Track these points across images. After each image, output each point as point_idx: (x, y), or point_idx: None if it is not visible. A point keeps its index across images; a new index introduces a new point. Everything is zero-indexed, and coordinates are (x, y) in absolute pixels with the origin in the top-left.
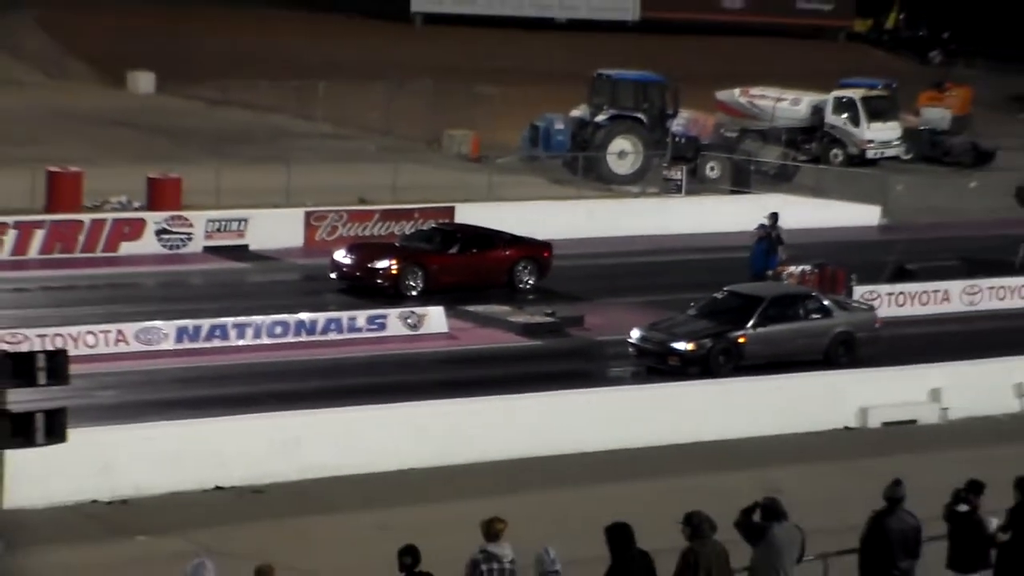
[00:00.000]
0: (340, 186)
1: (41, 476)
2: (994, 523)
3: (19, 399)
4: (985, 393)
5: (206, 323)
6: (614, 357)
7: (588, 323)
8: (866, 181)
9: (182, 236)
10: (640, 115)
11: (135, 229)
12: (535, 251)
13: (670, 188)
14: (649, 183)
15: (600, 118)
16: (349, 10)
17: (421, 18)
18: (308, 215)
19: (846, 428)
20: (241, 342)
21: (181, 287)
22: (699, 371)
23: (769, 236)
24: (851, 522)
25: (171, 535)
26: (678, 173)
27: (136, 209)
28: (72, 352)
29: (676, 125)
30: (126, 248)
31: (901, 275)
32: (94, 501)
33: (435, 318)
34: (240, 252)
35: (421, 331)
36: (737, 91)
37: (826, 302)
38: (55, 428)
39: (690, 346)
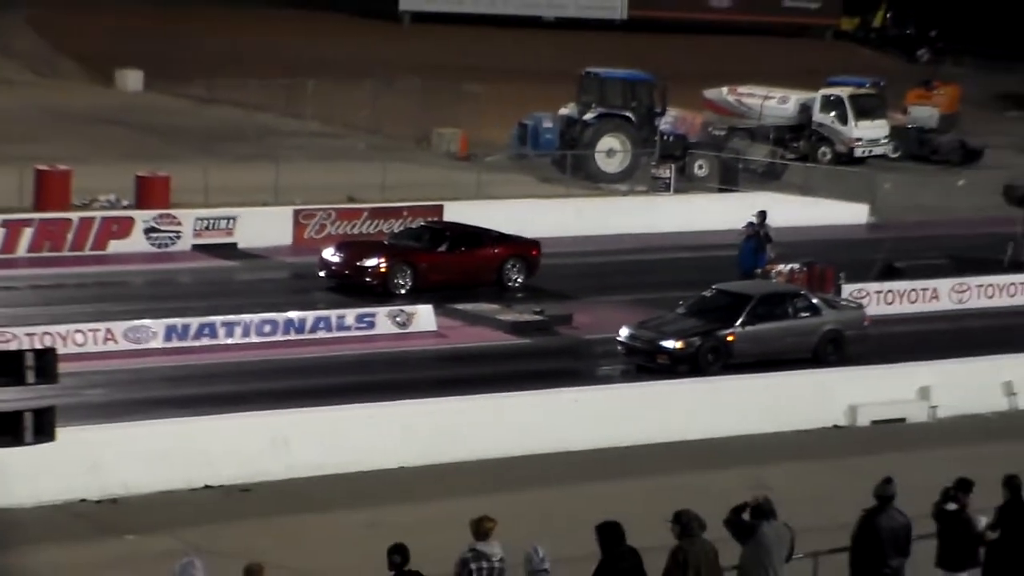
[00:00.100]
0: (329, 184)
1: (30, 475)
2: (983, 521)
3: (7, 398)
4: (974, 391)
5: (195, 321)
6: (603, 355)
7: (577, 321)
8: (854, 179)
9: (170, 234)
10: (628, 113)
11: (123, 227)
12: (524, 249)
13: (658, 186)
14: (637, 181)
15: (588, 116)
16: (337, 9)
17: (409, 16)
18: (297, 213)
19: (835, 426)
20: (230, 341)
21: (170, 285)
22: (688, 369)
23: (757, 234)
24: (840, 520)
25: (160, 534)
26: (666, 171)
27: (124, 207)
28: (61, 350)
29: (664, 123)
30: (114, 246)
31: (890, 273)
32: (83, 500)
33: (424, 316)
34: (229, 250)
35: (410, 329)
36: (725, 89)
37: (815, 300)
38: (44, 427)
39: (679, 344)
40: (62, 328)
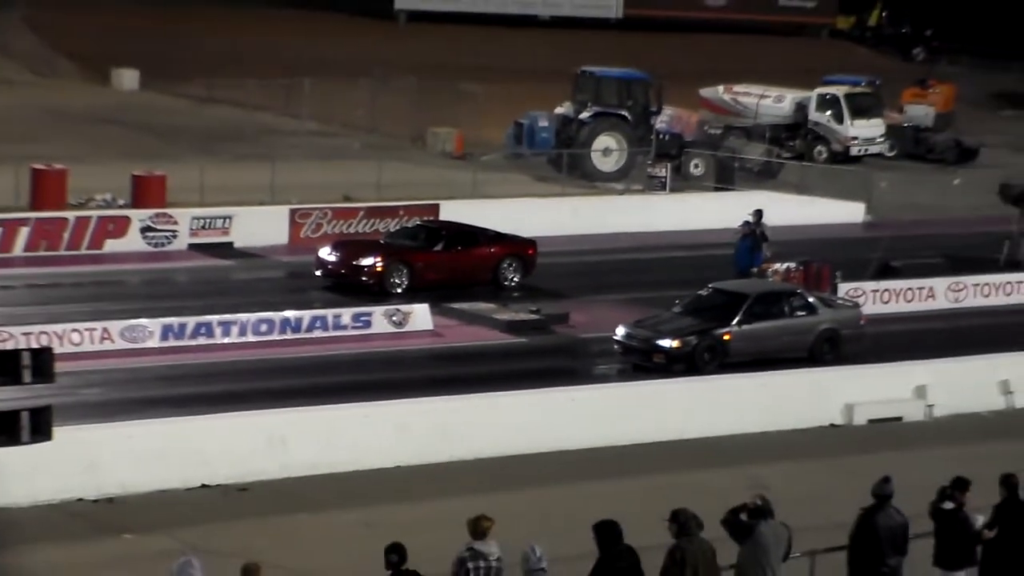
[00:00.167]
0: (325, 183)
1: (26, 474)
2: (980, 520)
3: (4, 397)
4: (970, 390)
5: (191, 321)
6: (599, 354)
7: (573, 320)
8: (850, 178)
9: (167, 234)
10: (624, 112)
11: (120, 227)
12: (520, 248)
13: (654, 185)
14: (633, 180)
15: (584, 115)
16: (333, 8)
17: (405, 16)
18: (293, 212)
19: (832, 425)
20: (226, 340)
21: (166, 285)
22: (684, 368)
23: (753, 233)
24: (837, 519)
25: (157, 533)
26: (662, 170)
27: (121, 207)
28: (57, 350)
29: (660, 122)
30: (111, 246)
31: (886, 272)
32: (80, 499)
33: (420, 315)
34: (225, 249)
35: (406, 328)
36: (721, 88)
37: (811, 299)
38: (40, 426)
39: (675, 343)
40: (58, 327)
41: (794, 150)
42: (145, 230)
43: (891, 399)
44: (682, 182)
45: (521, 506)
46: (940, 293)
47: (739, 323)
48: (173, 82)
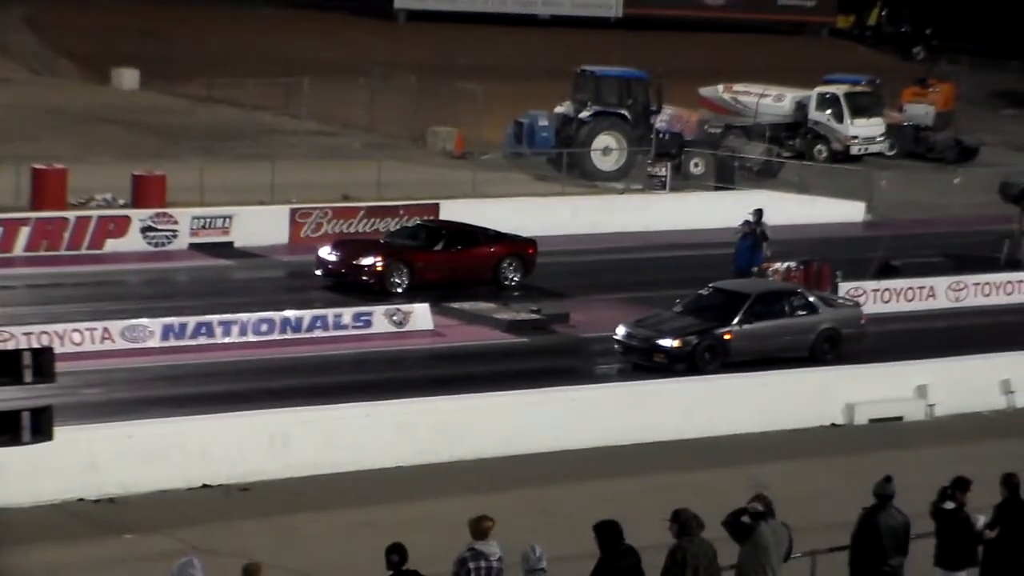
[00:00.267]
0: (325, 183)
1: (27, 474)
2: (981, 520)
3: (5, 397)
4: (971, 390)
5: (192, 321)
6: (600, 354)
7: (573, 320)
8: (850, 177)
9: (167, 233)
10: (624, 111)
11: (120, 226)
12: (520, 248)
13: (654, 184)
14: (633, 180)
15: (584, 115)
16: (333, 7)
17: (404, 15)
18: (293, 212)
19: (832, 425)
20: (227, 340)
21: (166, 284)
22: (685, 368)
23: (754, 232)
24: (838, 519)
25: (158, 533)
26: (662, 169)
27: (121, 206)
28: (58, 350)
29: (660, 121)
30: (111, 245)
31: (886, 271)
32: (81, 499)
33: (421, 315)
34: (225, 249)
35: (407, 328)
36: (720, 87)
37: (811, 299)
38: (41, 426)
39: (676, 343)
40: (59, 327)
41: (794, 149)
42: (145, 230)
43: (892, 399)
44: (682, 181)
45: (522, 506)
46: (941, 292)
47: (740, 323)
48: (173, 82)
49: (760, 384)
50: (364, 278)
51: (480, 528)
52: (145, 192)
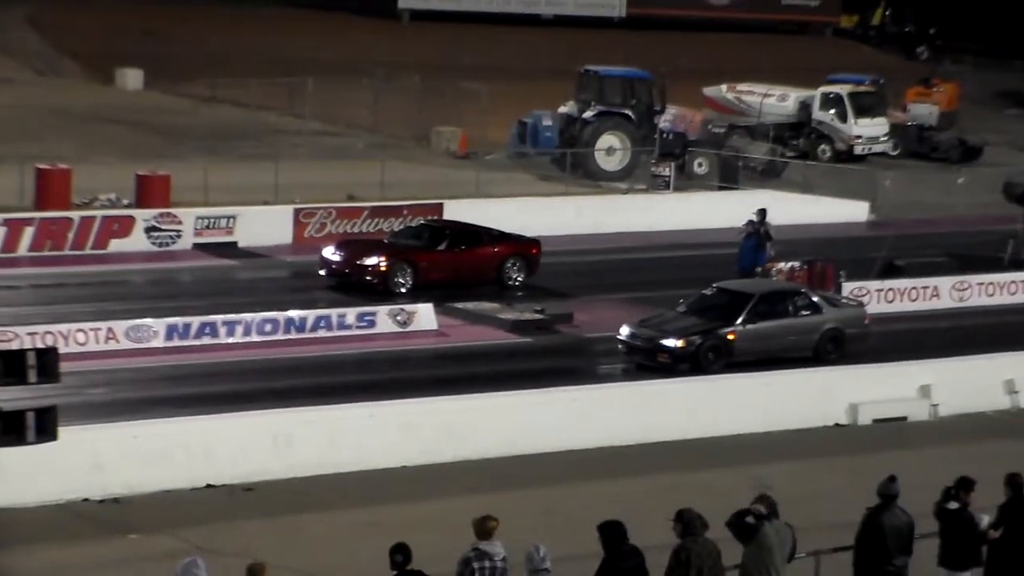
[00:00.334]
0: (329, 183)
1: (32, 474)
2: (985, 520)
3: (10, 397)
4: (975, 390)
5: (196, 320)
6: (603, 354)
7: (577, 320)
8: (854, 177)
9: (171, 233)
10: (628, 111)
11: (124, 226)
12: (524, 248)
13: (658, 184)
14: (637, 179)
15: (588, 115)
16: (337, 7)
17: (408, 15)
18: (297, 212)
19: (836, 425)
20: (231, 340)
21: (170, 284)
22: (689, 368)
23: (757, 232)
24: (842, 519)
25: (162, 533)
26: (666, 169)
27: (125, 206)
28: (62, 350)
29: (664, 121)
30: (115, 245)
31: (890, 271)
32: (85, 499)
33: (424, 315)
34: (229, 249)
35: (410, 328)
36: (724, 87)
37: (815, 299)
38: (46, 426)
39: (680, 343)
40: (64, 327)
41: (798, 149)
42: (149, 230)
43: (896, 399)
44: (686, 181)
45: (526, 506)
46: (944, 292)
47: (743, 323)
48: (177, 82)
49: (764, 384)
50: (368, 278)
51: (484, 528)
52: (149, 192)
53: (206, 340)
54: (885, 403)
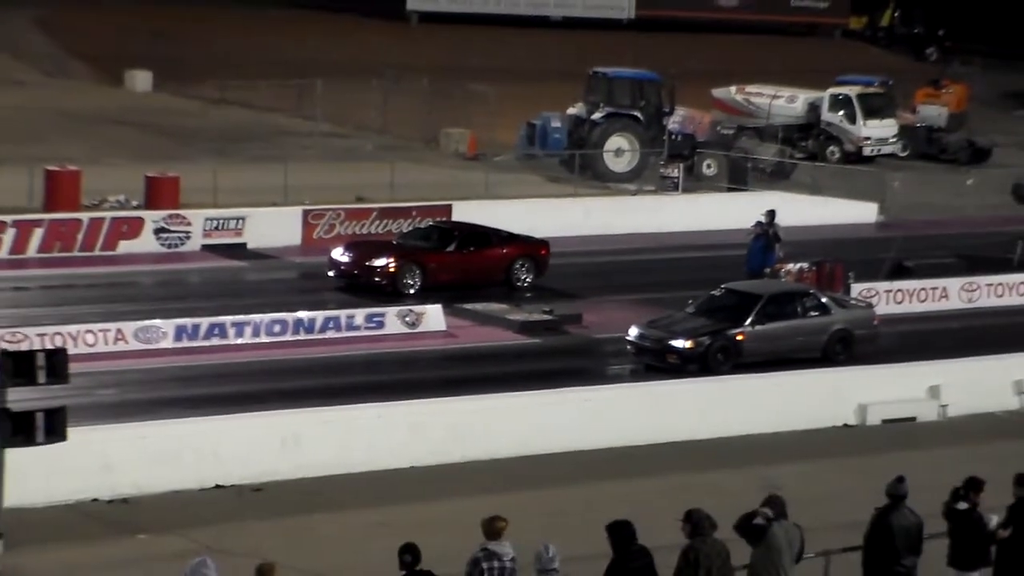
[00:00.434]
0: (338, 185)
1: (41, 475)
2: (994, 520)
3: (19, 398)
4: (984, 390)
5: (205, 321)
6: (612, 355)
7: (586, 321)
8: (863, 178)
9: (180, 235)
10: (636, 113)
11: (133, 228)
12: (532, 249)
13: (667, 186)
14: (646, 181)
15: (596, 116)
16: (346, 9)
17: (417, 17)
18: (306, 213)
19: (845, 425)
20: (240, 340)
21: (179, 286)
22: (698, 369)
23: (766, 233)
24: (851, 519)
25: (172, 534)
26: (675, 171)
27: (134, 208)
28: (71, 351)
29: (672, 123)
30: (124, 247)
31: (899, 272)
32: (94, 500)
33: (433, 316)
34: (238, 250)
35: (419, 329)
36: (733, 88)
37: (824, 300)
38: (55, 427)
39: (688, 344)
40: (73, 328)
41: (807, 150)
42: (159, 231)
43: (905, 399)
44: (694, 182)
45: (535, 506)
46: (953, 293)
47: (752, 323)
48: (186, 84)
49: (773, 385)
50: (377, 279)
51: (493, 528)
52: (158, 193)
53: (215, 341)
54: (894, 404)
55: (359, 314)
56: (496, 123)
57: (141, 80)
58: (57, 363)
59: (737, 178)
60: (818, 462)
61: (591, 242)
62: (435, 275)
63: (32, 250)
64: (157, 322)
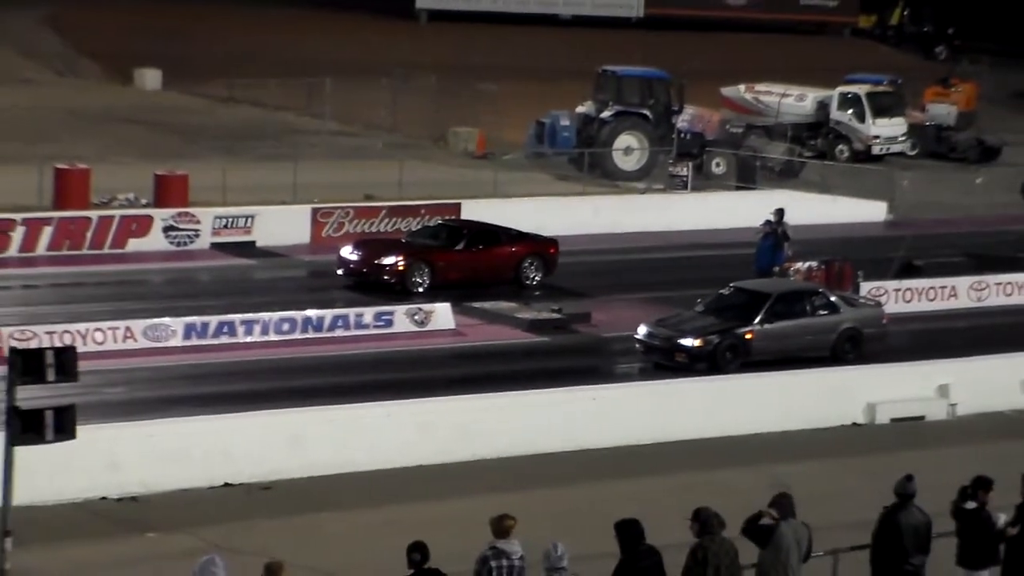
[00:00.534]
0: (347, 183)
1: (50, 473)
2: (1002, 519)
3: (28, 396)
4: (993, 389)
5: (214, 320)
6: (621, 353)
7: (595, 319)
8: (872, 177)
9: (189, 233)
10: (645, 111)
11: (142, 226)
12: (541, 247)
13: (676, 184)
14: (655, 179)
15: (605, 114)
16: (354, 7)
17: (426, 15)
18: (315, 212)
19: (854, 424)
20: (249, 339)
21: (188, 284)
22: (706, 367)
23: (775, 232)
24: (860, 518)
25: (180, 532)
26: (683, 169)
27: (143, 206)
28: (81, 349)
29: (681, 121)
30: (134, 245)
31: (908, 271)
32: (103, 498)
33: (442, 314)
34: (247, 249)
35: (428, 328)
36: (742, 87)
37: (833, 298)
38: (64, 425)
39: (697, 342)
40: (82, 326)
41: (816, 149)
42: (168, 229)
43: (913, 398)
44: (703, 181)
45: (543, 505)
46: (962, 292)
47: (761, 322)
48: (195, 82)
49: (781, 384)
50: (385, 277)
51: (501, 527)
52: (167, 192)
53: (224, 339)
54: (903, 402)
55: (368, 312)
56: (505, 122)
57: (150, 78)
58: (66, 361)
59: (746, 177)
60: (826, 461)
61: (600, 241)
62: (444, 273)
63: (41, 248)
64: (166, 320)
